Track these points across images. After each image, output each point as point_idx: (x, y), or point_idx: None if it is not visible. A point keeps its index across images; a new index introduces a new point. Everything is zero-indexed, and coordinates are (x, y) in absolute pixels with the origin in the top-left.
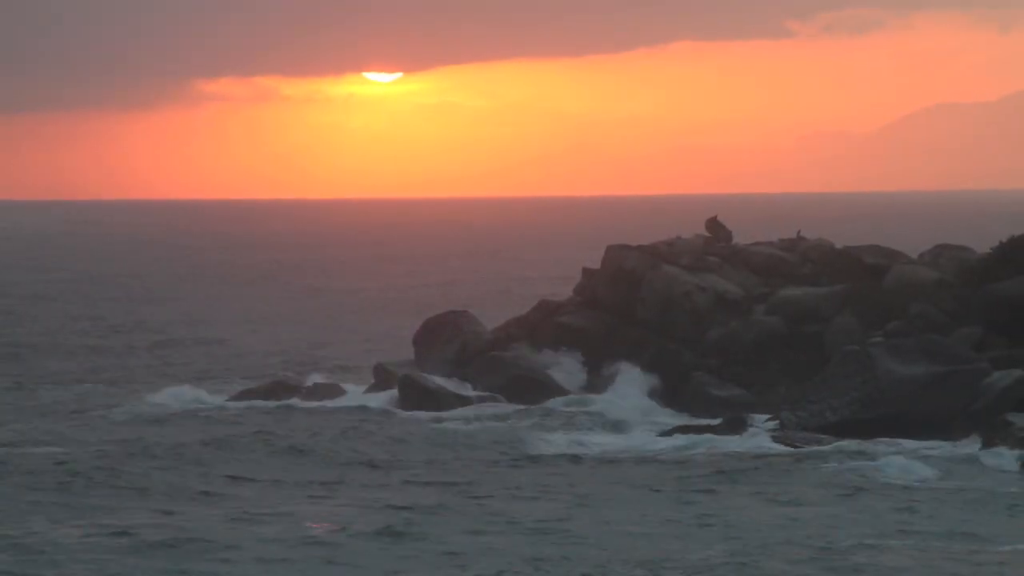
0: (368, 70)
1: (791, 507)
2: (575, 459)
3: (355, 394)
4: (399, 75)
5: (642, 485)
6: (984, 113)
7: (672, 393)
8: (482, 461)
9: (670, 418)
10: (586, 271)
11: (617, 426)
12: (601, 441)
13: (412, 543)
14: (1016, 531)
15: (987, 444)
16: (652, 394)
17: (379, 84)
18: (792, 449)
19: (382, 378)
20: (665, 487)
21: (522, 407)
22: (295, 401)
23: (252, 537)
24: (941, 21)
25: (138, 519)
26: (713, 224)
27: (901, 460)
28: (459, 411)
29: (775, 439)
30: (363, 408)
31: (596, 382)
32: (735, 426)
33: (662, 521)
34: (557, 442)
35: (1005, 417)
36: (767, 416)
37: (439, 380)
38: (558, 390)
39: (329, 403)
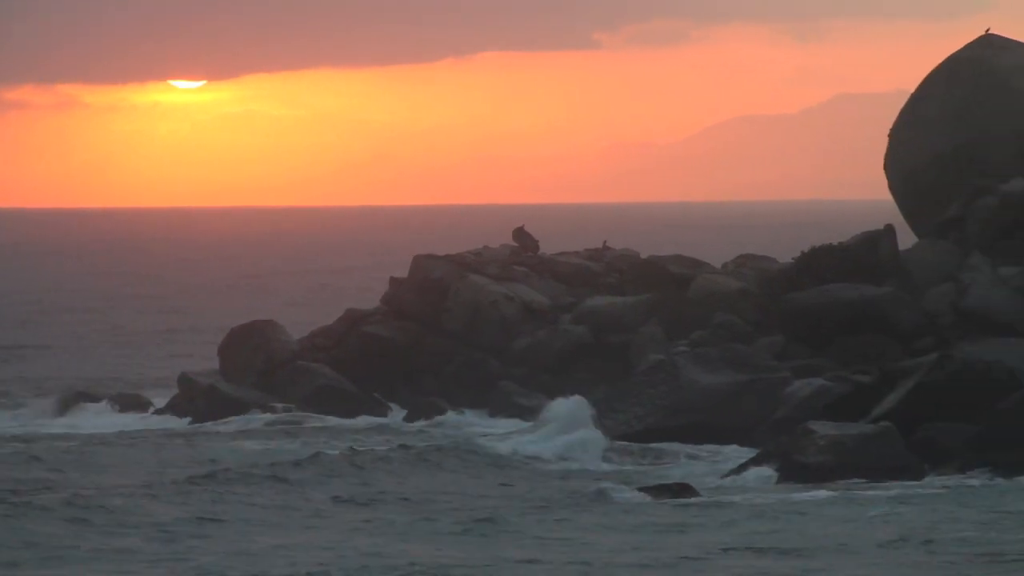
0: (173, 78)
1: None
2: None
3: (159, 405)
4: (203, 83)
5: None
6: (785, 125)
7: (480, 402)
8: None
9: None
10: (393, 280)
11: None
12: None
13: None
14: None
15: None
16: (462, 403)
17: (184, 92)
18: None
19: (186, 388)
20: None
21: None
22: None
23: None
24: (744, 34)
25: None
26: (520, 234)
27: (688, 465)
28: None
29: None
30: (166, 422)
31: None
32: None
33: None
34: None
35: (807, 425)
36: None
37: (244, 391)
38: (365, 401)
39: (128, 415)
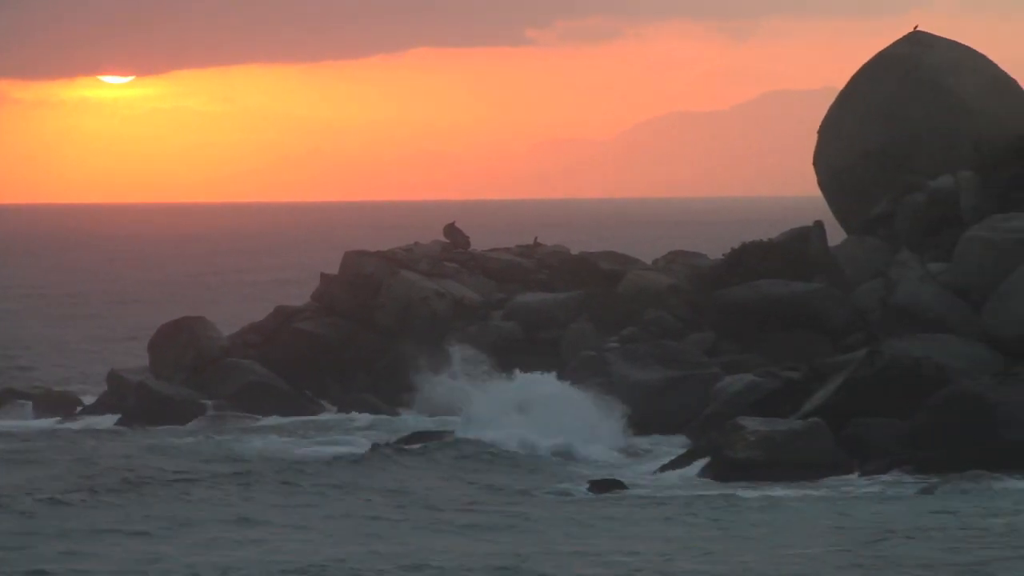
0: (102, 73)
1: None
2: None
3: (88, 402)
4: (132, 78)
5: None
6: (715, 122)
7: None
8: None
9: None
10: (324, 277)
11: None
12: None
13: None
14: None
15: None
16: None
17: (113, 87)
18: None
19: (116, 385)
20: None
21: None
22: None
23: None
24: (676, 31)
25: None
26: (451, 230)
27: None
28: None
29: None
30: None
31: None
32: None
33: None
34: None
35: (736, 421)
36: None
37: (174, 388)
38: (296, 398)
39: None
